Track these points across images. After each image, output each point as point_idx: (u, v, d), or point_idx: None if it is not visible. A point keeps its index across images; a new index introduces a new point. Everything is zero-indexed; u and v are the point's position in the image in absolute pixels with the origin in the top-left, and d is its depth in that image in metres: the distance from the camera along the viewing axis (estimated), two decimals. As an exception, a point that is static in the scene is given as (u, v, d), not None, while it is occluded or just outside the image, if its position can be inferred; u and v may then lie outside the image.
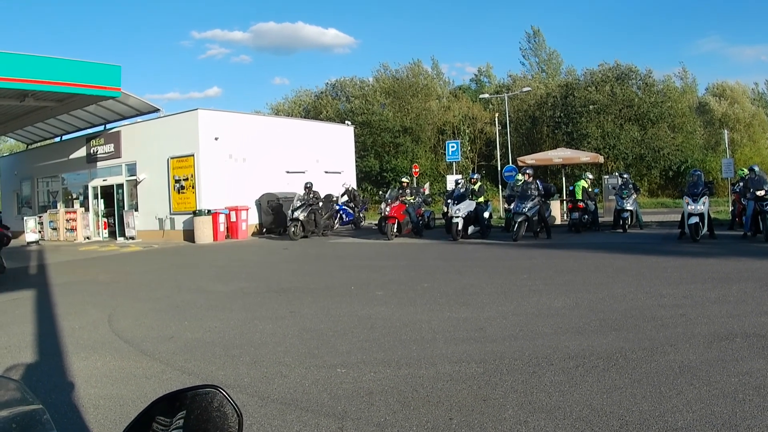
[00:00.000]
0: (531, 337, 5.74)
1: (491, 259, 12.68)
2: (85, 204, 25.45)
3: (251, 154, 22.46)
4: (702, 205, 13.65)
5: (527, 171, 16.84)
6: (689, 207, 13.70)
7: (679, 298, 7.29)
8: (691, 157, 35.15)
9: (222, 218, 20.59)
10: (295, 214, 19.22)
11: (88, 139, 25.12)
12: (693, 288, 7.92)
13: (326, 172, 25.11)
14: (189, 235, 20.70)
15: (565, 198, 20.76)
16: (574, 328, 5.96)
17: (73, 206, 25.77)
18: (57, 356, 5.87)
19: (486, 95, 38.84)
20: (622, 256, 11.85)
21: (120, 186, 23.91)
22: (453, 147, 24.99)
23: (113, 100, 20.57)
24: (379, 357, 5.28)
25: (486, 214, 17.59)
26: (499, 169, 27.64)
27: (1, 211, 32.29)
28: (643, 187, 32.05)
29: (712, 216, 14.82)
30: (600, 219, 19.05)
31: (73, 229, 24.53)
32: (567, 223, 18.53)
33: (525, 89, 35.70)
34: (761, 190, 13.16)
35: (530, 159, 22.98)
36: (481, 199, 17.60)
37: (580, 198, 17.72)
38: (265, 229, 22.12)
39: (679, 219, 14.70)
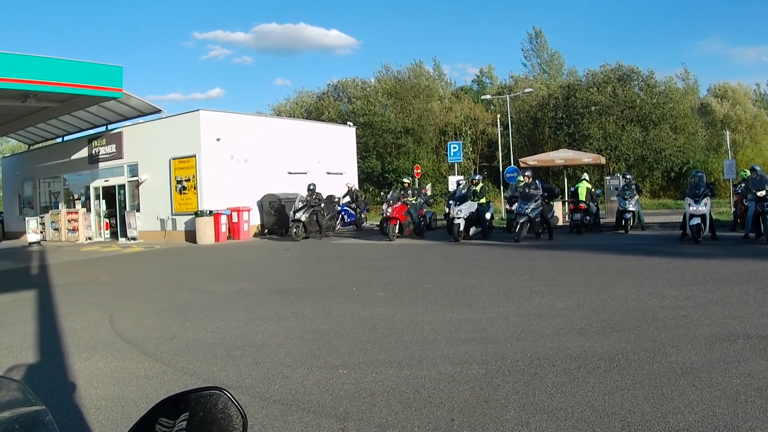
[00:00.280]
0: (533, 338, 5.73)
1: (493, 260, 12.67)
2: (86, 204, 25.50)
3: (253, 154, 22.48)
4: (704, 207, 13.63)
5: (526, 173, 16.84)
6: (691, 208, 13.68)
7: (681, 299, 7.28)
8: (692, 158, 35.13)
9: (224, 219, 20.61)
10: (297, 215, 19.22)
11: (90, 139, 25.16)
12: (695, 289, 7.91)
13: (328, 173, 25.11)
14: (191, 235, 20.71)
15: (567, 199, 20.73)
16: (576, 329, 5.96)
17: (74, 207, 25.82)
18: (59, 357, 5.87)
19: (488, 96, 38.83)
20: (624, 257, 11.84)
21: (122, 187, 23.94)
22: (455, 148, 24.98)
23: (115, 100, 20.59)
24: (380, 358, 5.28)
25: (488, 215, 17.58)
26: (500, 170, 27.62)
27: (3, 212, 32.47)
28: (644, 189, 32.00)
29: (714, 217, 14.80)
30: (602, 220, 19.03)
31: (74, 230, 24.57)
32: (569, 224, 18.50)
33: (527, 90, 35.69)
34: (762, 190, 12.88)
35: (532, 160, 22.97)
36: (483, 200, 17.59)
37: (584, 199, 17.71)
38: (266, 230, 22.13)
39: (681, 220, 14.68)
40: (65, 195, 27.29)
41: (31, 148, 31.22)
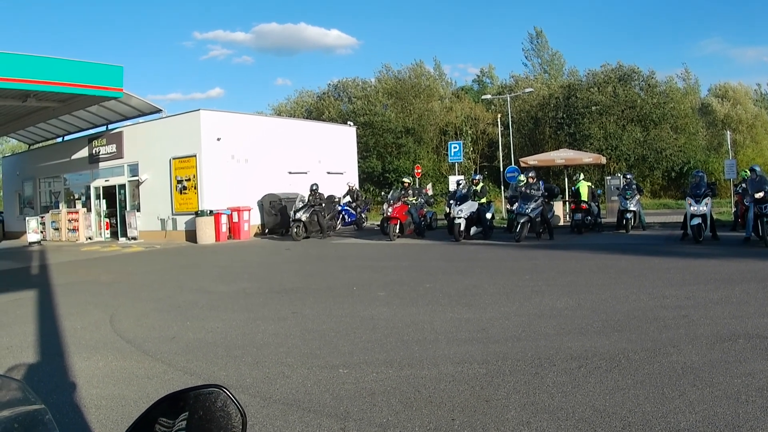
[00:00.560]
0: (533, 337, 5.73)
1: (493, 259, 12.67)
2: (87, 204, 25.51)
3: (253, 154, 22.48)
4: (704, 207, 13.61)
5: (530, 174, 16.79)
6: (692, 208, 13.67)
7: (682, 299, 7.27)
8: (693, 158, 35.12)
9: (224, 219, 20.61)
10: (298, 214, 19.23)
11: (90, 139, 25.17)
12: (696, 289, 7.91)
13: (329, 173, 25.11)
14: (191, 235, 20.71)
15: (568, 199, 20.73)
16: (577, 329, 5.95)
17: (75, 206, 25.82)
18: (59, 356, 5.87)
19: (488, 96, 38.83)
20: (625, 257, 11.83)
21: (122, 186, 23.94)
22: (455, 148, 24.96)
23: (115, 100, 20.60)
24: (381, 357, 5.28)
25: (488, 215, 17.59)
26: (501, 170, 27.61)
27: (3, 212, 32.49)
28: (645, 188, 32.00)
29: (715, 217, 14.80)
30: (603, 220, 19.02)
31: (75, 230, 24.58)
32: (569, 224, 18.50)
33: (527, 90, 35.69)
34: (760, 191, 12.50)
35: (532, 160, 22.95)
36: (484, 200, 17.58)
37: (586, 199, 17.70)
38: (267, 230, 22.14)
39: (682, 220, 14.67)
40: (66, 195, 27.30)
41: (32, 147, 31.23)
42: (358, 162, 30.61)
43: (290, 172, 23.62)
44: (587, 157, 24.25)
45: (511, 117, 32.82)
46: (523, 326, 6.19)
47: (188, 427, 1.05)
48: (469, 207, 16.72)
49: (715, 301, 7.00)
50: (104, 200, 24.96)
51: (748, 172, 14.93)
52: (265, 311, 7.76)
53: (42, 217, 25.82)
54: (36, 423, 1.22)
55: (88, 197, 25.49)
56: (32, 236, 23.60)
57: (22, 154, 32.89)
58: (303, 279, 10.88)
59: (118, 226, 24.08)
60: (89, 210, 25.16)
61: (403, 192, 18.73)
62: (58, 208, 26.39)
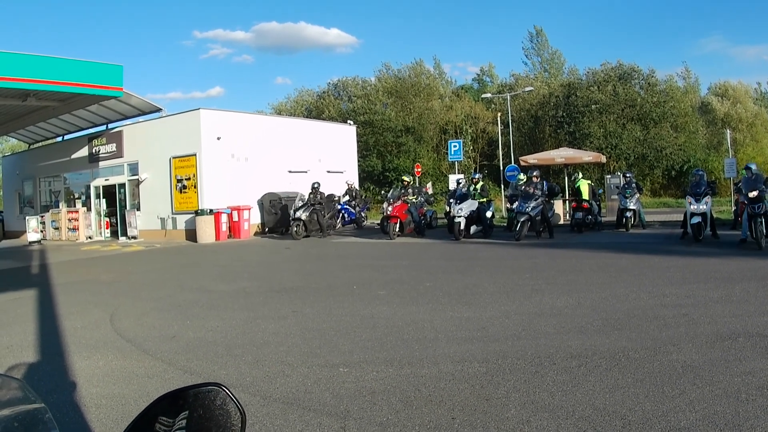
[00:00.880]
0: (533, 336, 5.73)
1: (493, 258, 12.67)
2: (87, 203, 25.50)
3: (253, 153, 22.47)
4: (704, 205, 13.60)
5: (535, 173, 16.74)
6: (692, 207, 13.65)
7: (682, 297, 7.27)
8: (693, 156, 35.12)
9: (224, 218, 20.61)
10: (298, 213, 19.23)
11: (90, 138, 25.16)
12: (696, 288, 7.91)
13: (329, 172, 25.11)
14: (191, 234, 20.71)
15: (568, 198, 20.72)
16: (577, 328, 5.95)
17: (75, 206, 25.82)
18: (59, 356, 5.87)
19: (488, 95, 38.83)
20: (625, 255, 11.83)
21: (122, 185, 23.94)
22: (455, 146, 24.96)
23: (115, 99, 20.60)
24: (381, 356, 5.28)
25: (488, 214, 17.58)
26: (501, 168, 27.61)
27: (3, 211, 32.48)
28: (645, 187, 31.99)
29: (715, 216, 14.78)
30: (603, 218, 19.01)
31: (75, 229, 24.58)
32: (569, 222, 18.49)
33: (527, 89, 35.65)
34: (754, 191, 12.06)
35: (532, 158, 22.94)
36: (481, 197, 17.57)
37: (587, 198, 17.70)
38: (267, 229, 22.13)
39: (682, 219, 14.66)
40: (65, 194, 27.29)
41: (32, 147, 31.22)
42: (358, 161, 30.61)
43: (290, 171, 23.62)
44: (587, 156, 24.25)
45: (511, 116, 32.83)
46: (523, 325, 6.19)
47: (188, 426, 1.05)
48: (469, 206, 16.73)
49: (716, 300, 7.00)
50: (104, 199, 24.95)
51: (744, 169, 14.85)
52: (265, 310, 7.76)
53: (42, 217, 25.81)
54: (36, 422, 1.22)
55: (88, 196, 25.48)
56: (32, 235, 23.59)
57: (22, 153, 32.87)
58: (303, 278, 10.88)
59: (118, 226, 24.08)
60: (89, 209, 25.15)
61: (403, 191, 18.72)
62: (58, 207, 26.39)
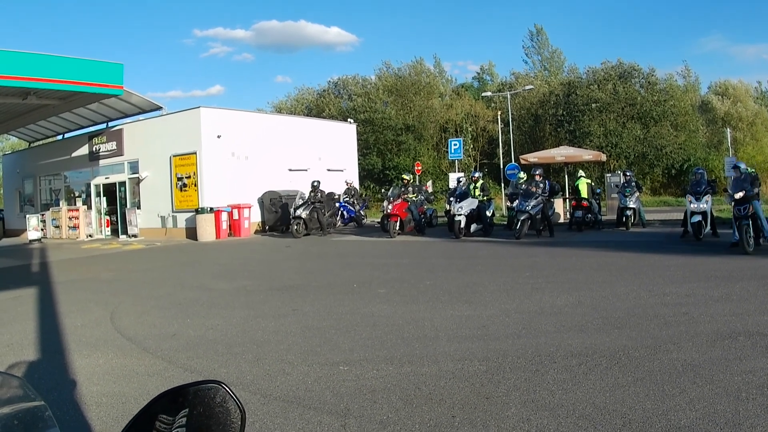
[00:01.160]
0: (534, 335, 5.73)
1: (494, 257, 12.66)
2: (87, 202, 25.49)
3: (254, 152, 22.46)
4: (705, 204, 13.59)
5: (538, 171, 16.72)
6: (692, 205, 13.64)
7: (682, 296, 7.27)
8: (693, 155, 35.09)
9: (224, 216, 20.61)
10: (298, 212, 19.25)
11: (91, 137, 25.16)
12: (696, 286, 7.91)
13: (329, 170, 25.11)
14: (191, 232, 20.71)
15: (568, 196, 20.72)
16: (577, 326, 5.95)
17: (75, 204, 25.81)
18: (59, 354, 5.88)
19: (488, 93, 38.85)
20: (625, 254, 11.82)
21: (122, 184, 23.94)
22: (455, 145, 24.98)
23: (116, 98, 20.60)
24: (381, 354, 5.28)
25: (488, 212, 17.58)
26: (501, 167, 27.60)
27: (3, 209, 32.48)
28: (645, 186, 31.97)
29: (715, 215, 14.76)
30: (603, 217, 19.01)
31: (75, 227, 24.57)
32: (569, 221, 18.48)
33: (527, 87, 35.66)
34: (741, 191, 11.34)
35: (533, 157, 22.93)
36: (482, 196, 17.55)
37: (586, 196, 17.69)
38: (267, 227, 22.13)
39: (682, 217, 14.65)
40: (66, 192, 27.29)
41: (32, 145, 31.22)
42: (359, 159, 30.60)
43: (290, 170, 23.62)
44: (587, 155, 24.25)
45: (511, 114, 32.82)
46: (523, 323, 6.19)
47: (188, 424, 1.05)
48: (469, 204, 16.73)
49: (716, 299, 7.00)
50: (105, 198, 24.96)
51: (748, 169, 14.74)
52: (266, 308, 7.76)
53: (42, 215, 25.80)
54: (36, 420, 1.22)
55: (89, 195, 25.48)
56: (33, 234, 23.59)
57: (23, 151, 32.88)
58: (303, 276, 10.88)
59: (118, 224, 24.09)
60: (90, 207, 25.14)
61: (403, 189, 18.72)
62: (59, 205, 26.37)
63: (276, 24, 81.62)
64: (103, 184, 24.84)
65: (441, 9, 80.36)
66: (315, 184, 19.80)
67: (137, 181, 23.14)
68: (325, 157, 25.54)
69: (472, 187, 17.75)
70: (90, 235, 24.47)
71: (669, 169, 35.72)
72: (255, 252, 16.35)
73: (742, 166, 12.67)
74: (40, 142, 30.64)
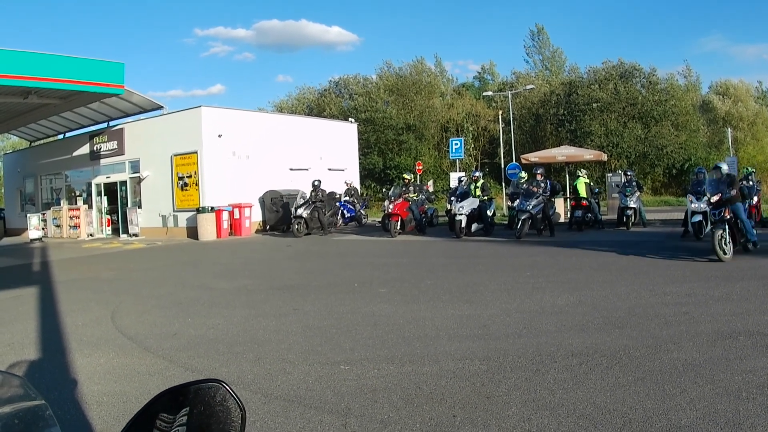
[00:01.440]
0: (534, 334, 5.73)
1: (494, 256, 12.66)
2: (88, 201, 25.49)
3: (255, 151, 22.46)
4: (705, 204, 13.57)
5: (539, 170, 16.71)
6: (693, 205, 13.64)
7: (683, 296, 7.27)
8: (694, 155, 35.07)
9: (225, 215, 20.62)
10: (299, 211, 19.25)
11: (92, 136, 25.17)
12: (696, 286, 7.90)
13: (330, 170, 25.11)
14: (192, 232, 20.72)
15: (568, 196, 20.72)
16: (578, 326, 5.95)
17: (76, 203, 25.82)
18: (60, 353, 5.88)
19: (489, 93, 38.84)
20: (626, 254, 11.81)
21: (123, 183, 23.95)
22: (456, 144, 24.98)
23: (117, 97, 20.58)
24: (382, 354, 5.28)
25: (489, 212, 17.57)
26: (502, 166, 27.60)
27: (4, 209, 32.50)
28: (646, 185, 31.96)
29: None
30: (603, 217, 19.00)
31: (76, 226, 24.58)
32: (569, 221, 18.46)
33: (528, 87, 35.65)
34: (717, 194, 10.52)
35: (534, 157, 22.93)
36: (482, 195, 17.54)
37: (585, 196, 17.69)
38: (268, 227, 22.13)
39: (683, 217, 14.65)
40: (67, 191, 27.29)
41: (33, 144, 31.23)
42: (360, 159, 30.58)
43: (291, 169, 23.61)
44: (588, 154, 24.25)
45: (512, 114, 32.80)
46: (524, 323, 6.19)
47: (189, 422, 1.05)
48: (470, 204, 16.73)
49: (716, 298, 7.00)
50: (105, 197, 24.97)
51: (750, 169, 14.72)
52: (267, 308, 7.76)
53: (43, 214, 25.82)
54: (37, 419, 1.22)
55: (90, 194, 25.48)
56: (33, 233, 23.60)
57: (24, 151, 32.90)
58: (304, 275, 10.88)
59: (119, 223, 24.10)
60: (90, 207, 25.14)
61: (404, 188, 18.72)
62: (60, 204, 26.39)
63: (277, 23, 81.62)
64: (104, 184, 24.86)
65: (442, 8, 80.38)
66: (316, 183, 19.81)
67: (138, 181, 23.15)
68: (326, 156, 25.53)
69: (472, 186, 17.74)
70: (91, 235, 24.48)
71: (670, 169, 35.69)
72: (256, 251, 16.35)
73: (724, 167, 11.46)
74: (41, 142, 30.64)
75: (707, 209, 11.02)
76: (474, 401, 4.03)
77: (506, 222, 19.36)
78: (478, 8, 76.28)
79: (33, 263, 15.55)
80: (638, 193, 17.41)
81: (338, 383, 4.53)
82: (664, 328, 5.68)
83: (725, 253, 10.04)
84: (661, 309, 6.53)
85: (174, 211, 21.93)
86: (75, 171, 26.58)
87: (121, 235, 23.36)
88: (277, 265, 13.09)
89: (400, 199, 17.88)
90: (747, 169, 17.58)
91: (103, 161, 24.52)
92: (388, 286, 9.06)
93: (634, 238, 14.76)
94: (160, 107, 23.19)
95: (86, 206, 25.05)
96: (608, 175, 24.27)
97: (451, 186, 21.20)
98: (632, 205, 16.96)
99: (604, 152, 28.01)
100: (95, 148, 24.70)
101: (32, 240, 23.29)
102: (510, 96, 33.26)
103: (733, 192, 10.45)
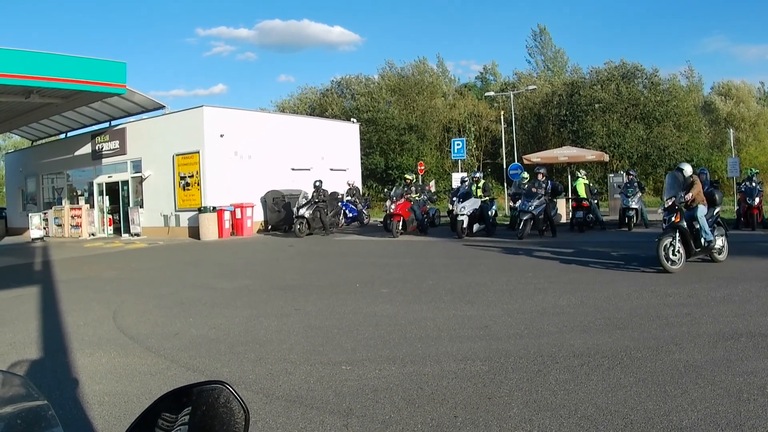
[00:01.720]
0: (536, 335, 5.73)
1: (496, 257, 12.65)
2: (90, 200, 25.50)
3: (256, 151, 22.46)
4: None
5: (541, 170, 16.69)
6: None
7: (684, 297, 7.26)
8: (696, 156, 35.02)
9: (227, 215, 20.63)
10: (301, 211, 19.25)
11: (93, 135, 25.18)
12: (698, 287, 7.89)
13: (331, 170, 25.10)
14: (194, 231, 20.73)
15: (570, 196, 20.70)
16: (579, 327, 5.95)
17: (78, 203, 25.84)
18: (61, 353, 5.89)
19: (491, 93, 38.84)
20: (626, 254, 11.79)
21: (125, 183, 23.96)
22: (458, 145, 24.97)
23: (118, 96, 20.58)
24: (383, 354, 5.28)
25: (491, 212, 17.55)
26: (504, 167, 27.58)
27: (6, 208, 32.53)
28: (648, 186, 31.94)
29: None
30: (605, 217, 18.97)
31: (77, 226, 24.60)
32: (569, 222, 18.44)
33: (530, 87, 35.65)
34: (672, 198, 9.63)
35: (536, 157, 22.93)
36: (483, 196, 17.53)
37: (585, 196, 17.67)
38: (270, 227, 22.14)
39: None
40: (68, 191, 27.32)
41: (35, 144, 31.27)
42: (361, 159, 30.59)
43: (293, 169, 23.61)
44: (590, 155, 24.25)
45: (514, 114, 32.78)
46: (525, 323, 6.19)
47: (191, 423, 1.06)
48: (472, 204, 16.72)
49: (718, 300, 7.00)
50: (107, 196, 24.96)
51: (753, 170, 14.68)
52: (268, 308, 7.77)
53: (45, 214, 25.82)
54: (39, 419, 1.22)
55: (91, 193, 25.49)
56: (35, 232, 23.60)
57: (25, 150, 32.93)
58: (306, 275, 10.88)
59: (121, 223, 24.11)
60: (92, 206, 25.14)
61: (406, 189, 18.71)
62: (61, 204, 26.40)
63: (279, 23, 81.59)
64: (106, 183, 24.86)
65: (444, 9, 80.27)
66: (317, 183, 19.81)
67: (140, 180, 23.16)
68: (328, 156, 25.53)
69: (474, 187, 17.74)
70: (92, 234, 24.50)
71: (671, 170, 35.62)
72: (257, 251, 16.35)
73: (687, 168, 10.27)
74: (43, 141, 30.66)
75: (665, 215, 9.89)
76: (475, 402, 4.03)
77: (508, 222, 19.35)
78: (481, 8, 76.30)
79: (34, 263, 15.56)
80: (640, 193, 17.41)
81: (340, 383, 4.53)
82: (666, 329, 5.67)
83: (673, 264, 9.16)
84: (663, 310, 6.53)
85: (176, 210, 21.94)
86: (77, 170, 26.61)
87: (123, 235, 23.37)
88: (279, 265, 13.10)
89: (402, 200, 17.87)
90: (751, 170, 17.58)
91: (104, 161, 24.53)
92: (389, 286, 9.06)
93: (635, 239, 14.75)
94: (162, 107, 23.21)
95: (88, 206, 25.06)
96: (610, 175, 24.25)
97: (453, 186, 21.19)
98: (634, 205, 16.96)
99: (606, 153, 27.99)
100: (97, 148, 24.71)
101: (34, 239, 23.29)
102: (512, 96, 33.25)
103: (688, 196, 9.49)
